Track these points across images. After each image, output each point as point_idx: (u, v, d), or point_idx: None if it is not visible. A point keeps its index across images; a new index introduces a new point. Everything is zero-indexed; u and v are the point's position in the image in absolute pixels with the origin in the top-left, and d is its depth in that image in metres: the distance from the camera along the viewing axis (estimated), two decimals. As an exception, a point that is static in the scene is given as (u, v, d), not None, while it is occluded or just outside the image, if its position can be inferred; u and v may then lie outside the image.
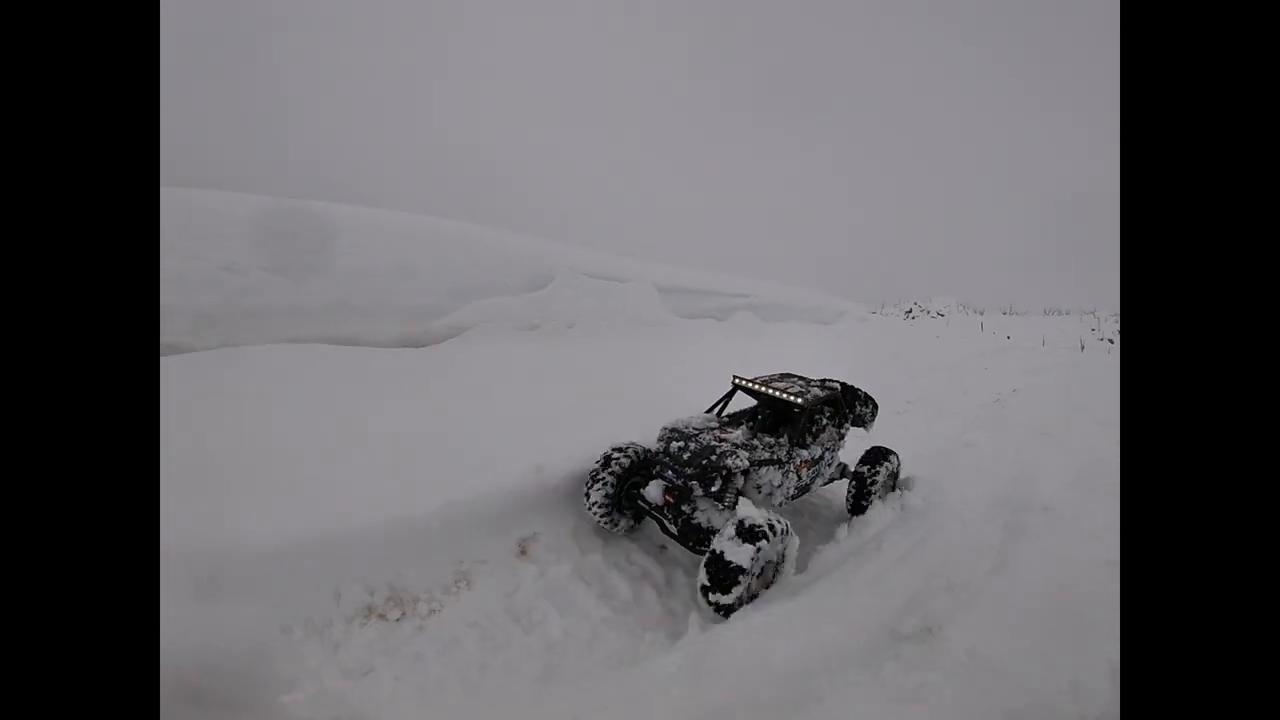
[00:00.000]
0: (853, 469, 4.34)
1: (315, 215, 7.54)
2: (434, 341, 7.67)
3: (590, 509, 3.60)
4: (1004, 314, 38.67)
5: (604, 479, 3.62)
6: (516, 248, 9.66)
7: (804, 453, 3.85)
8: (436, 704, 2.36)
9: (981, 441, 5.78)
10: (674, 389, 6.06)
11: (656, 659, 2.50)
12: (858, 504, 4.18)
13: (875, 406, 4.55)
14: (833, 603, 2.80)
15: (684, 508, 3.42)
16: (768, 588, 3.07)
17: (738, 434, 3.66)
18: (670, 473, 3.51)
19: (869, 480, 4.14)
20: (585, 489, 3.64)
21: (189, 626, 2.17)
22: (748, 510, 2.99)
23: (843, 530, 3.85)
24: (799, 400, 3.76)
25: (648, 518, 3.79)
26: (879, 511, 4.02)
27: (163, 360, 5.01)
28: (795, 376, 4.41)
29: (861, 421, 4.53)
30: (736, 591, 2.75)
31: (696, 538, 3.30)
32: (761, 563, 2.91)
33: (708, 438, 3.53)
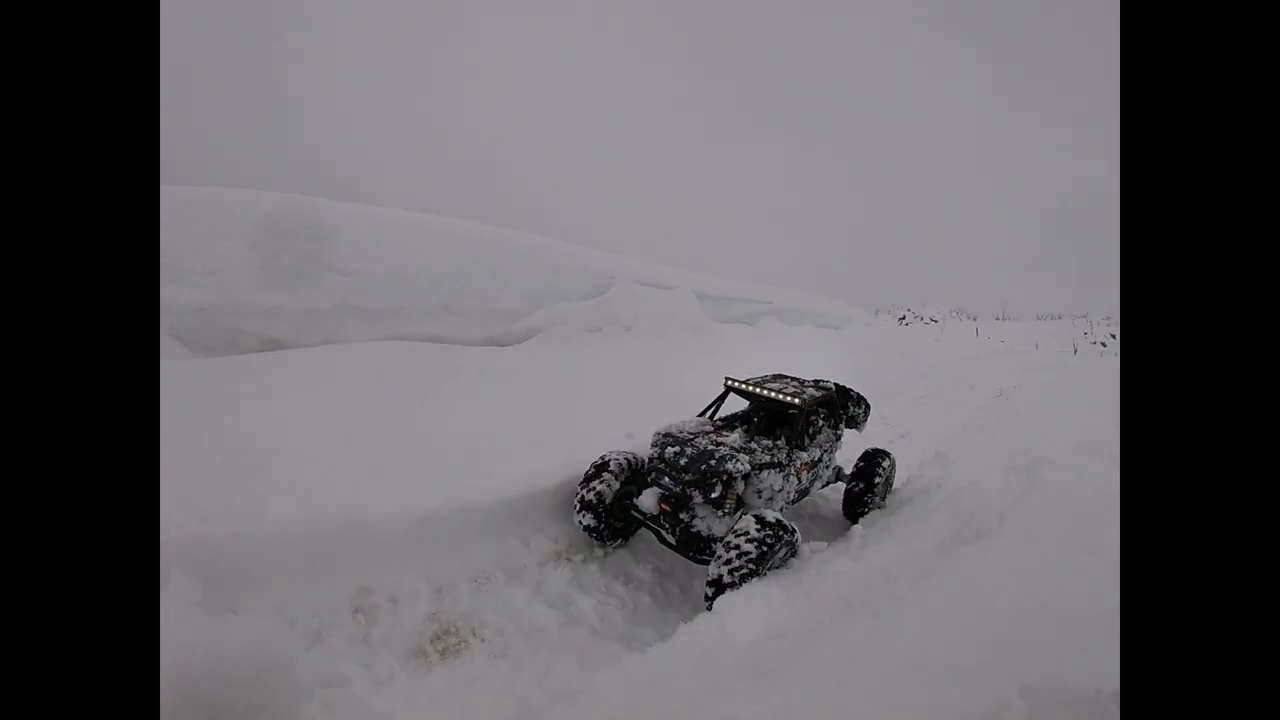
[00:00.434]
0: (848, 472, 4.35)
1: (423, 223, 8.55)
2: (514, 341, 8.67)
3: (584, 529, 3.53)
4: (997, 319, 40.11)
5: (592, 491, 3.51)
6: (571, 257, 10.73)
7: (804, 455, 3.74)
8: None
9: (992, 424, 7.01)
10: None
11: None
12: (853, 511, 4.17)
13: (868, 407, 4.54)
14: (911, 529, 3.84)
15: (682, 516, 3.30)
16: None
17: (734, 437, 3.55)
18: (667, 479, 3.36)
19: (867, 490, 4.14)
20: (575, 503, 3.54)
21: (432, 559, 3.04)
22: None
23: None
24: (796, 401, 3.68)
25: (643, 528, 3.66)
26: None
27: (274, 354, 5.87)
28: (788, 377, 4.39)
29: (854, 422, 4.48)
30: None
31: (697, 547, 3.22)
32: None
33: (704, 442, 3.40)
